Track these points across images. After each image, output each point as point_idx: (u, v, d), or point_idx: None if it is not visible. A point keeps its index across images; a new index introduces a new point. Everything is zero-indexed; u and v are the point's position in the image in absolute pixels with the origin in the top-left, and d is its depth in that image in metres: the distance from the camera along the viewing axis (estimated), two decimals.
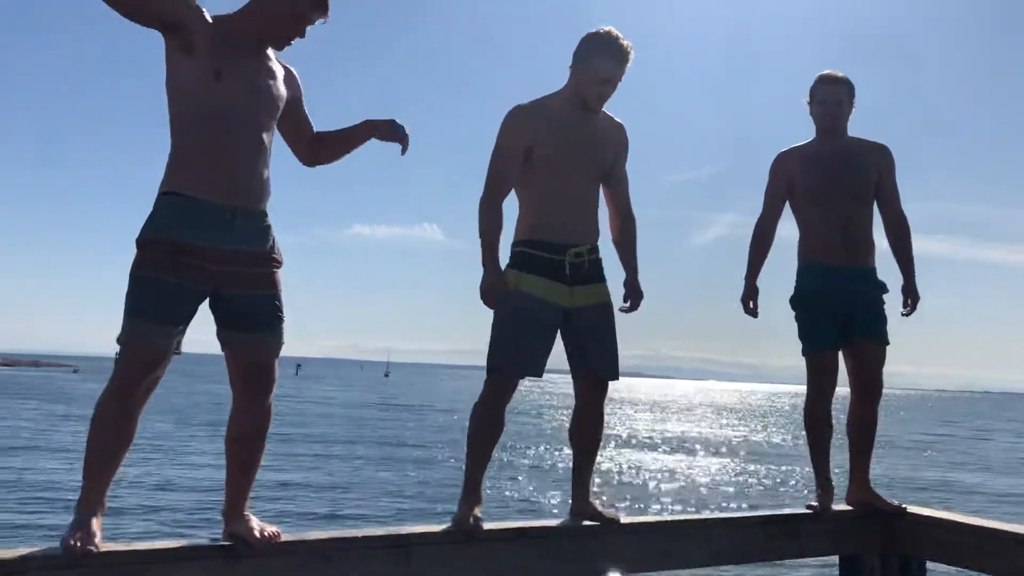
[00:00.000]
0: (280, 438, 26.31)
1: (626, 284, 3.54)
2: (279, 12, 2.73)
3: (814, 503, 3.91)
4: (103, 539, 2.50)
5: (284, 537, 2.79)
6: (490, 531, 3.11)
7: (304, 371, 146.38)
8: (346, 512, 13.05)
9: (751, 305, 4.09)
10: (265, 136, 2.73)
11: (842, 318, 3.96)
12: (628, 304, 3.51)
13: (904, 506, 3.96)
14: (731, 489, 19.37)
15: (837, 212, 3.98)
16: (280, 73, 2.83)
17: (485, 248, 3.25)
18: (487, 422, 3.28)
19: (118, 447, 2.59)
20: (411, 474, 19.24)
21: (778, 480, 21.48)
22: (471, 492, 3.20)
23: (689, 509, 14.31)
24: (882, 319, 4.05)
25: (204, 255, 2.59)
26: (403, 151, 3.02)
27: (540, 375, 3.30)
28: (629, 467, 22.86)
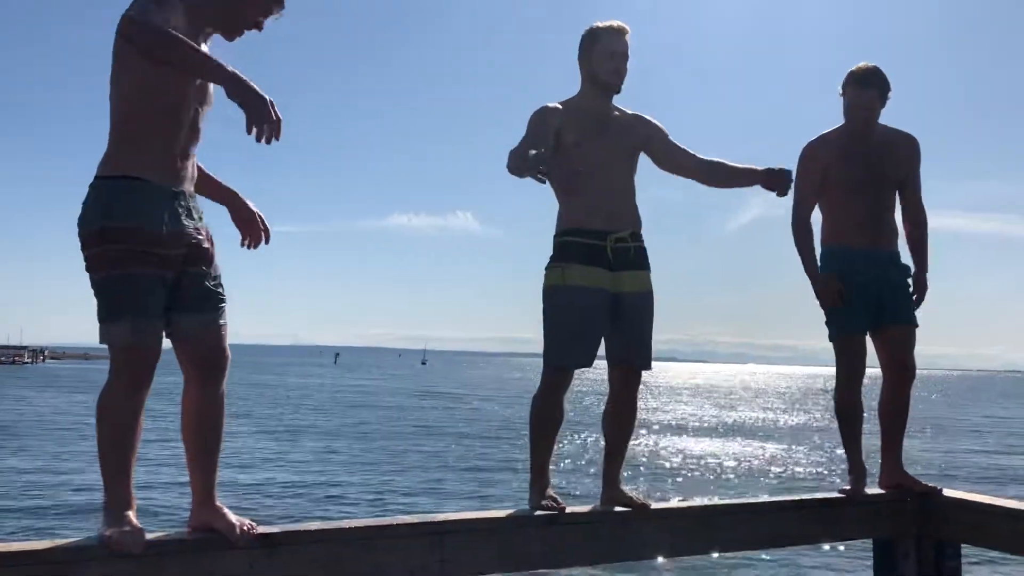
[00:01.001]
0: (317, 432, 26.61)
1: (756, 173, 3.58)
2: (237, 3, 2.70)
3: (847, 487, 3.91)
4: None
5: (321, 524, 2.87)
6: (521, 518, 3.15)
7: (342, 360, 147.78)
8: (384, 499, 13.17)
9: (832, 289, 3.92)
10: (203, 115, 2.73)
11: (870, 302, 3.95)
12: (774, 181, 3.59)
13: (938, 488, 3.96)
14: (765, 472, 19.28)
15: (866, 201, 3.98)
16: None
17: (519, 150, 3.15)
18: (548, 413, 3.38)
19: (133, 444, 2.61)
20: (447, 462, 19.39)
21: (812, 462, 21.33)
22: (539, 478, 3.31)
23: (722, 493, 14.24)
24: (909, 302, 4.05)
25: (166, 240, 2.58)
26: (251, 242, 2.97)
27: (590, 365, 3.36)
28: (663, 452, 22.81)
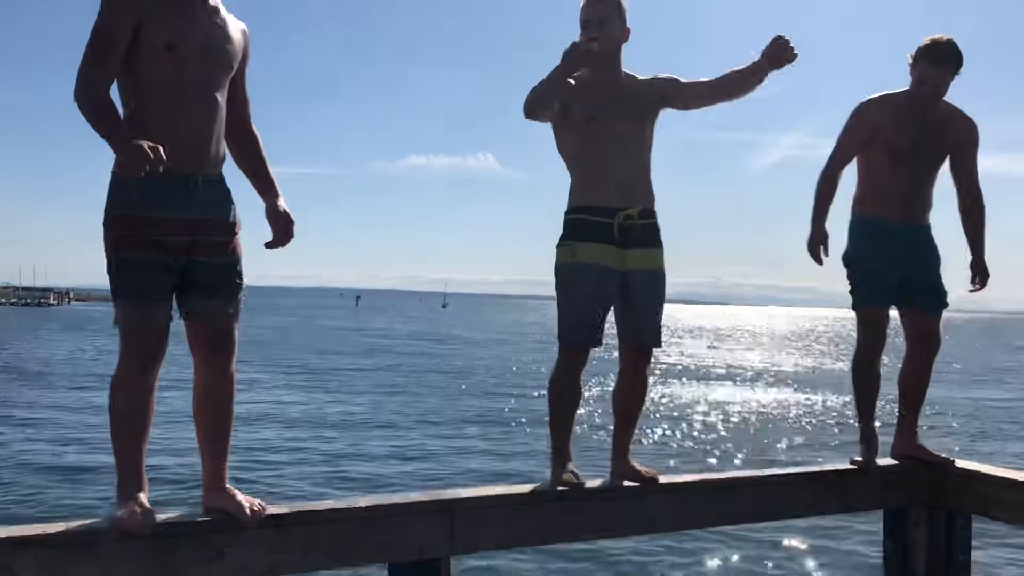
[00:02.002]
0: (339, 372, 26.80)
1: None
2: None
3: (858, 458, 3.91)
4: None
5: (332, 504, 2.90)
6: (530, 494, 3.18)
7: (363, 303, 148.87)
8: (396, 461, 13.16)
9: (822, 250, 3.93)
10: (219, 97, 2.70)
11: (899, 278, 3.91)
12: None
13: (951, 459, 3.95)
14: (778, 430, 19.34)
15: (909, 174, 3.91)
16: (233, 29, 2.75)
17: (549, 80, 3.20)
18: (565, 391, 3.39)
19: (144, 426, 2.65)
20: (462, 415, 19.54)
21: (824, 414, 21.38)
22: (560, 455, 3.33)
23: (733, 455, 14.26)
24: (940, 287, 4.01)
25: (171, 226, 2.59)
26: (271, 243, 2.89)
27: (599, 345, 3.36)
28: (679, 403, 22.89)
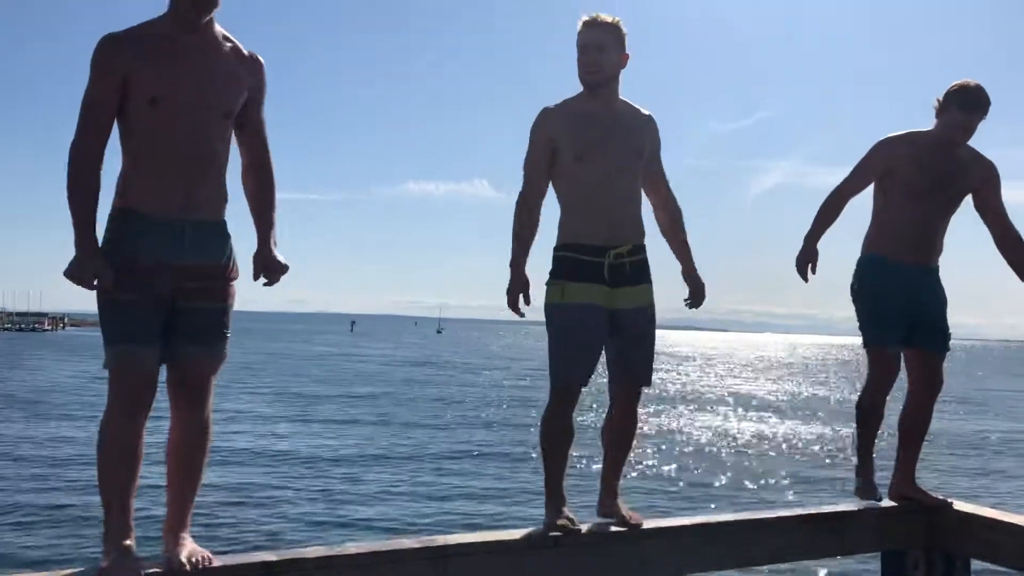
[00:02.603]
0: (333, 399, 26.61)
1: (684, 276, 3.56)
2: None
3: (859, 497, 3.89)
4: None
5: (322, 551, 2.85)
6: (523, 540, 3.14)
7: (358, 327, 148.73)
8: (386, 503, 12.97)
9: (810, 268, 3.93)
10: (215, 144, 2.68)
11: (907, 319, 3.91)
12: (691, 299, 3.57)
13: (949, 500, 3.92)
14: (773, 460, 19.24)
15: (924, 215, 3.91)
16: (237, 68, 2.72)
17: (514, 252, 3.33)
18: (557, 431, 3.35)
19: (131, 469, 2.62)
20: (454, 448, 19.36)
21: (819, 447, 21.30)
22: (554, 498, 3.29)
23: (729, 491, 14.13)
24: (945, 329, 4.02)
25: (158, 272, 2.59)
26: (256, 276, 2.84)
27: (586, 384, 3.33)
28: (671, 433, 22.81)
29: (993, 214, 4.01)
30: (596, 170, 3.28)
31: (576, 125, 3.29)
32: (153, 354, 2.61)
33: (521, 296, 3.32)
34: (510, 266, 3.32)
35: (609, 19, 3.27)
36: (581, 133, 3.28)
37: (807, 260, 3.92)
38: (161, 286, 2.61)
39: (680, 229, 3.55)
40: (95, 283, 2.53)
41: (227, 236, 2.76)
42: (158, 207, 2.60)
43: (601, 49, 3.25)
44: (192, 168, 2.64)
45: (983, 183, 3.97)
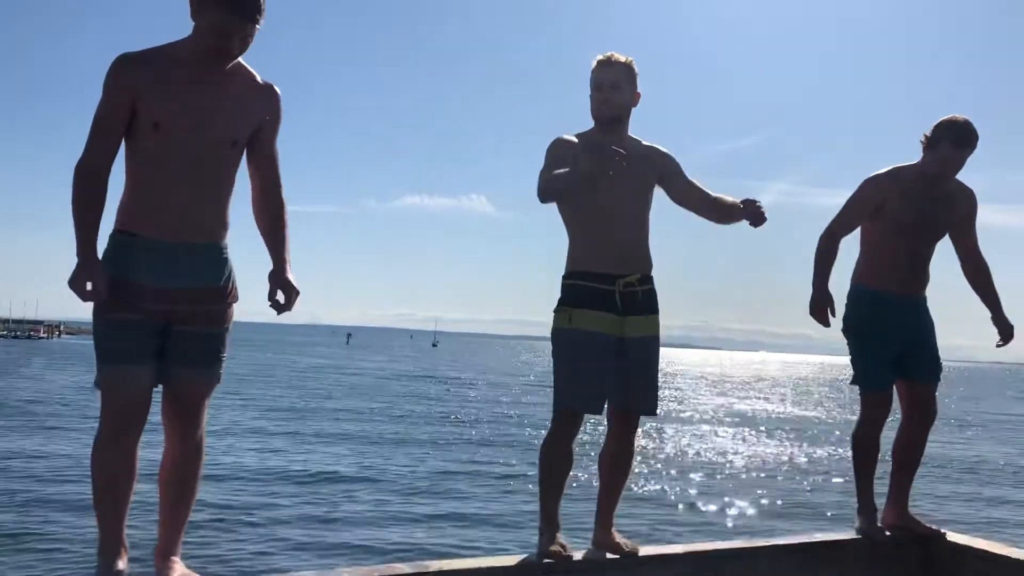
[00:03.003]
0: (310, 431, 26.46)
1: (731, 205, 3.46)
2: (198, 26, 2.59)
3: (858, 526, 3.90)
4: None
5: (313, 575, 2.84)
6: (516, 568, 3.12)
7: (355, 340, 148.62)
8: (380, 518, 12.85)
9: (828, 313, 3.91)
10: (218, 171, 2.69)
11: (896, 349, 3.93)
12: (753, 218, 3.41)
13: (942, 531, 3.92)
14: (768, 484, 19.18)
15: (912, 247, 3.94)
16: (249, 93, 2.72)
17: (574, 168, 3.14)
18: (558, 458, 3.35)
19: (123, 489, 2.62)
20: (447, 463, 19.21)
21: (816, 465, 21.26)
22: (549, 524, 3.29)
23: (723, 517, 14.08)
24: (937, 358, 4.04)
25: (150, 294, 2.59)
26: (272, 303, 2.81)
27: (600, 412, 3.34)
28: (667, 452, 22.75)
29: (967, 244, 4.06)
30: (607, 200, 3.31)
31: (588, 151, 3.29)
32: (144, 374, 2.61)
33: None
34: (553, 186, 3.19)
35: (623, 59, 3.35)
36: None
37: (824, 305, 3.91)
38: (155, 308, 2.61)
39: (714, 199, 3.48)
40: (88, 289, 2.53)
41: (225, 260, 2.75)
42: (154, 230, 2.61)
43: (615, 87, 3.33)
44: (191, 193, 2.64)
45: (967, 214, 4.02)
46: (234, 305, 2.78)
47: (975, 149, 3.86)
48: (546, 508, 3.33)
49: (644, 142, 3.49)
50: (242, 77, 2.72)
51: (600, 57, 3.37)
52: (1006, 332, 4.05)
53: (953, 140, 3.82)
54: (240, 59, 2.71)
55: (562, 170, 3.16)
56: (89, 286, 2.53)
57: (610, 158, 2.93)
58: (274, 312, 2.81)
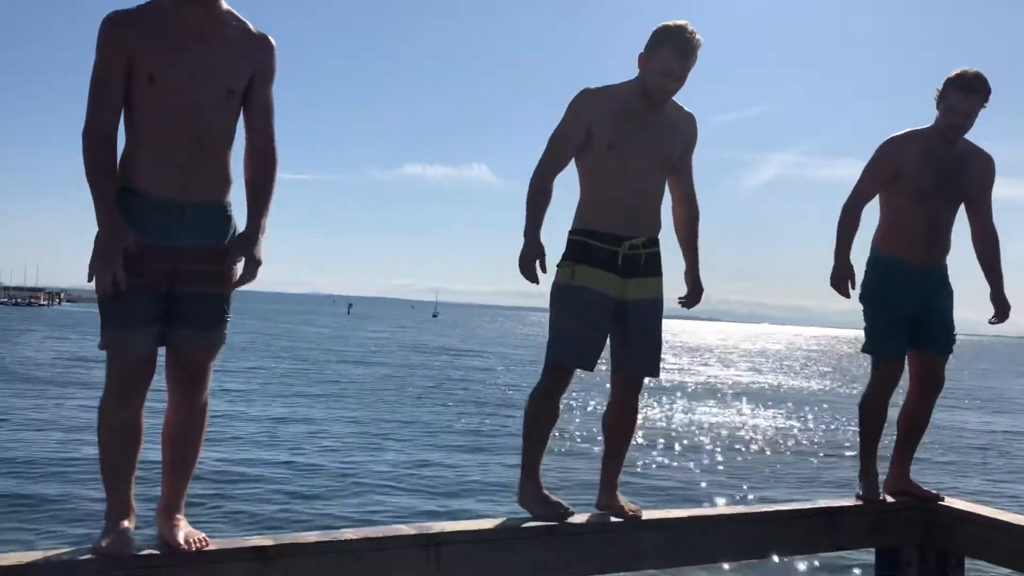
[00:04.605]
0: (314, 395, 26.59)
1: (687, 277, 3.55)
2: None
3: (860, 492, 3.91)
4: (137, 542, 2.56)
5: (316, 536, 2.84)
6: (518, 529, 3.13)
7: (355, 310, 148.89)
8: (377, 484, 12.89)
9: (849, 285, 3.89)
10: (217, 124, 2.65)
11: (912, 319, 3.90)
12: (687, 299, 3.53)
13: (940, 495, 3.95)
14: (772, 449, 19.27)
15: (932, 212, 3.89)
16: (243, 42, 2.67)
17: (527, 220, 3.25)
18: (544, 412, 3.36)
19: (130, 451, 2.63)
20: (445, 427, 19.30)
21: (817, 437, 21.35)
22: (529, 478, 3.32)
23: (723, 484, 14.11)
24: (951, 330, 4.02)
25: (153, 253, 2.56)
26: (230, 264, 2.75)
27: (592, 368, 3.33)
28: (665, 423, 22.86)
29: (980, 209, 4.01)
30: (625, 163, 3.27)
31: (617, 116, 3.27)
32: (148, 336, 2.60)
33: (537, 262, 3.22)
34: (525, 234, 3.24)
35: (701, 46, 3.20)
36: (620, 125, 3.27)
37: (845, 277, 3.88)
38: (157, 268, 2.58)
39: (695, 229, 3.54)
40: (112, 266, 2.49)
41: (229, 219, 2.72)
42: (157, 187, 2.58)
43: (682, 80, 3.25)
44: (191, 148, 2.60)
45: (981, 180, 3.97)
46: (238, 265, 2.75)
47: (986, 100, 3.80)
48: (529, 459, 3.35)
49: (679, 105, 3.41)
50: (235, 27, 2.68)
51: (686, 39, 3.16)
52: (1003, 311, 4.02)
53: (960, 86, 3.76)
54: (233, 10, 2.68)
55: (532, 224, 3.24)
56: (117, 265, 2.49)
57: (529, 278, 3.21)
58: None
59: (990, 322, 4.10)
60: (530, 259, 3.22)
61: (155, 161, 2.58)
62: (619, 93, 3.31)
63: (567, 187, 3.41)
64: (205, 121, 2.62)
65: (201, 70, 2.58)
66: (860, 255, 4.03)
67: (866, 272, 3.99)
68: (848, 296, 3.90)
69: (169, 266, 2.59)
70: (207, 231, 2.65)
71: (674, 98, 3.34)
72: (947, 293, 4.01)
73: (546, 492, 3.28)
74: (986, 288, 4.06)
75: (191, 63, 2.57)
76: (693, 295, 3.53)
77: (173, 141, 2.58)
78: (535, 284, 3.25)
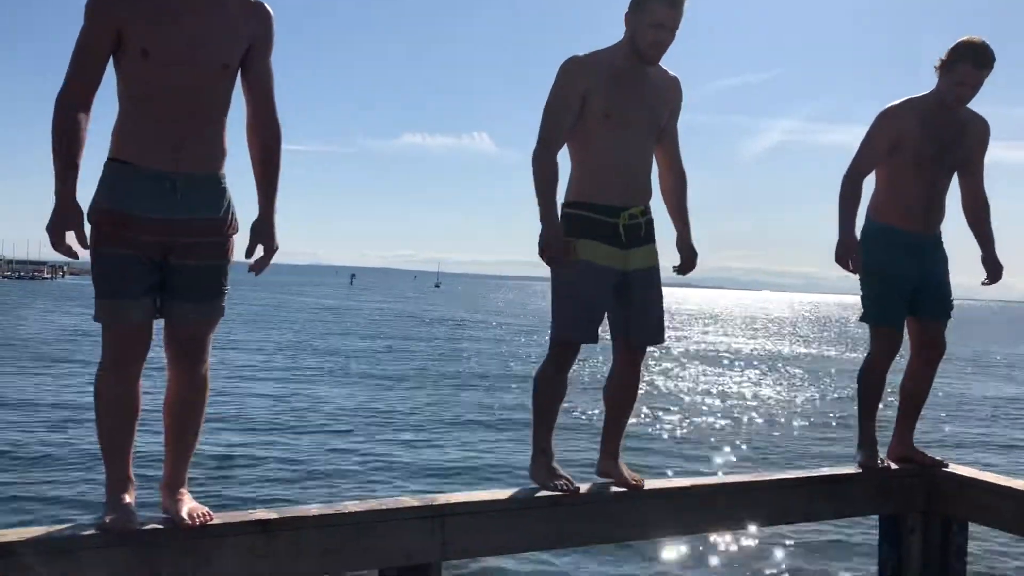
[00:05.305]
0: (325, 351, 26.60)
1: (679, 244, 3.50)
2: None
3: (860, 460, 3.90)
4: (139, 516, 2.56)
5: (320, 509, 2.85)
6: (523, 500, 3.13)
7: (357, 281, 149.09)
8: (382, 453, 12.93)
9: (853, 259, 3.82)
10: (211, 97, 2.62)
11: (910, 287, 3.88)
12: (682, 266, 3.50)
13: (944, 461, 3.95)
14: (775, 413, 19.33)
15: (930, 180, 3.86)
16: (238, 13, 2.63)
17: (542, 204, 3.19)
18: (552, 387, 3.35)
19: (127, 422, 2.62)
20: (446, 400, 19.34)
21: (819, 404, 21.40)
22: (541, 453, 3.31)
23: (725, 454, 14.17)
24: (948, 295, 4.00)
25: (146, 226, 2.54)
26: (250, 261, 2.79)
27: (596, 342, 3.32)
28: (667, 391, 22.91)
29: (972, 175, 3.98)
30: (621, 131, 3.23)
31: (609, 82, 3.21)
32: (142, 308, 2.58)
33: (569, 243, 3.18)
34: (542, 218, 3.17)
35: None
36: (612, 91, 3.21)
37: (850, 250, 3.82)
38: (151, 240, 2.56)
39: (683, 195, 3.50)
40: (65, 240, 2.48)
41: (224, 190, 2.69)
42: (151, 160, 2.55)
43: (673, 32, 3.18)
44: (185, 121, 2.57)
45: (979, 144, 3.95)
46: (235, 237, 2.73)
47: (989, 71, 3.74)
48: (539, 436, 3.34)
49: (663, 69, 3.36)
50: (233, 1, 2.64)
51: None
52: (995, 272, 4.00)
53: (973, 60, 3.69)
54: None
55: (548, 207, 3.16)
56: (70, 239, 2.48)
57: (557, 262, 3.19)
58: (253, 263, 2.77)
59: (983, 284, 4.09)
60: (557, 241, 3.17)
61: (148, 133, 2.55)
62: (607, 59, 3.25)
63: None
64: (200, 95, 2.59)
65: (197, 45, 2.54)
66: (856, 224, 3.99)
67: (865, 242, 3.94)
68: (853, 271, 3.85)
69: (163, 238, 2.57)
70: (202, 203, 2.63)
71: (660, 62, 3.29)
72: (943, 259, 3.99)
73: (555, 465, 3.28)
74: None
75: (186, 37, 2.53)
76: (688, 262, 3.48)
77: (167, 114, 2.55)
78: (565, 266, 3.20)
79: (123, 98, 2.59)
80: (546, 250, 3.18)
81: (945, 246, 4.01)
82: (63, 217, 2.49)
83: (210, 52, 2.57)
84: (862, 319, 3.98)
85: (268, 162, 2.75)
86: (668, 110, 3.38)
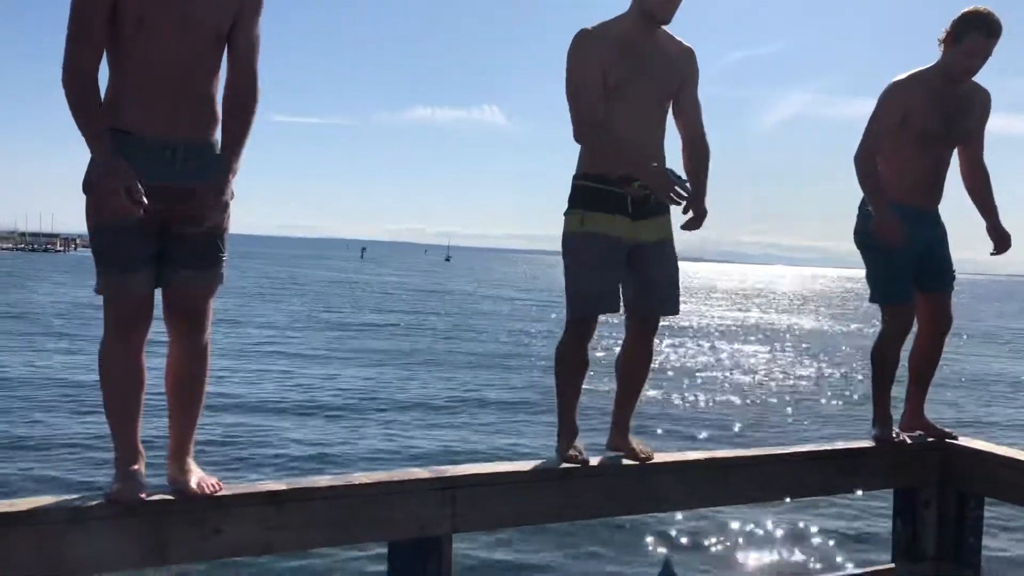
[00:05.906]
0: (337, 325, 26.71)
1: (690, 201, 3.33)
2: None
3: (875, 433, 3.86)
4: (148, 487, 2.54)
5: (330, 480, 2.83)
6: (534, 472, 3.11)
7: (368, 255, 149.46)
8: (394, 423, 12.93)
9: (896, 231, 3.68)
10: (205, 64, 2.58)
11: (915, 262, 3.83)
12: (689, 222, 3.24)
13: (953, 433, 3.93)
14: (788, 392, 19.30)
15: (935, 155, 3.80)
16: None
17: (631, 164, 3.10)
18: (574, 363, 3.32)
19: (132, 394, 2.60)
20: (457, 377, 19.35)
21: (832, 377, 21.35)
22: (567, 427, 3.29)
23: (740, 428, 14.16)
24: (951, 266, 3.97)
25: (148, 194, 2.46)
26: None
27: (618, 310, 3.28)
28: (684, 361, 22.90)
29: (974, 150, 3.92)
30: (630, 101, 3.18)
31: (619, 53, 3.15)
32: (143, 278, 2.56)
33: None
34: (636, 166, 3.08)
35: None
36: (622, 61, 3.15)
37: (891, 223, 3.69)
38: (154, 209, 2.50)
39: (699, 164, 3.36)
40: (127, 195, 2.37)
41: (218, 158, 2.64)
42: (149, 128, 2.52)
43: None
44: (182, 89, 2.54)
45: (983, 112, 3.89)
46: (231, 204, 2.69)
47: (997, 41, 3.65)
48: (563, 413, 3.32)
49: (677, 39, 3.31)
50: None
51: None
52: (1003, 241, 3.92)
53: (986, 31, 3.60)
54: None
55: (625, 153, 3.09)
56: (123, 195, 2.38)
57: (668, 196, 3.05)
58: (263, 213, 2.70)
59: (991, 254, 4.01)
60: (664, 180, 3.05)
61: (144, 102, 2.51)
62: (616, 30, 3.18)
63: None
64: (194, 63, 2.55)
65: (191, 13, 2.51)
66: (853, 201, 3.96)
67: (864, 218, 3.88)
68: (901, 240, 3.71)
69: (163, 206, 2.53)
70: (199, 170, 2.58)
71: (675, 33, 3.23)
72: (942, 231, 3.95)
73: (578, 444, 3.24)
74: (1004, 222, 3.97)
75: (182, 6, 2.49)
76: (696, 218, 3.25)
77: (163, 83, 2.51)
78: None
79: (117, 68, 2.54)
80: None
81: (950, 225, 3.97)
82: (112, 168, 2.39)
83: (205, 21, 2.54)
84: (872, 299, 3.92)
85: (239, 129, 2.63)
86: (678, 79, 3.29)
